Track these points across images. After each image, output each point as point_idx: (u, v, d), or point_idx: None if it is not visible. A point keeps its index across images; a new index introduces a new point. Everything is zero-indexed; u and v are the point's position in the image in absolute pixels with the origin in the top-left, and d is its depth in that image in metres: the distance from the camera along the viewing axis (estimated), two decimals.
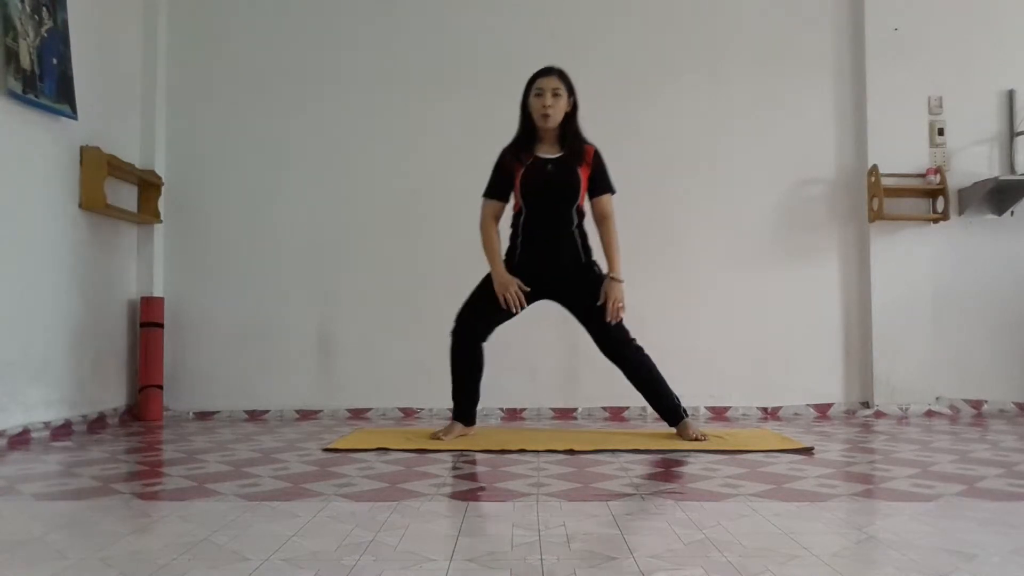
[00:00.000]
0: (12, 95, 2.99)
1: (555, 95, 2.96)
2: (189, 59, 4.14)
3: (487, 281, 3.05)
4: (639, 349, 3.05)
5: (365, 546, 1.53)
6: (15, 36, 2.99)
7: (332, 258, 4.08)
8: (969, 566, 1.40)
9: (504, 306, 2.99)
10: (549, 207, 3.01)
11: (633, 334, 3.05)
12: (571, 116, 3.02)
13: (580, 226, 3.05)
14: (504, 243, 3.11)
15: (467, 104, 4.11)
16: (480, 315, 3.04)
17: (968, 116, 4.06)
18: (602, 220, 3.05)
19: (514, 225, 3.10)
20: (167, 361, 3.93)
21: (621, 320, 3.01)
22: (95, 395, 3.58)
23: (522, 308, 3.01)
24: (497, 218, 3.09)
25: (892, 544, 1.56)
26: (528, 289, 3.00)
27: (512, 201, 3.10)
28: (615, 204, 3.08)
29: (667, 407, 3.07)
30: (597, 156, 3.04)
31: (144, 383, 3.82)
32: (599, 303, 2.96)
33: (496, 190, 3.08)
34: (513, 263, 3.05)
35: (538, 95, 2.97)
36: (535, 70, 3.04)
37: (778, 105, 4.10)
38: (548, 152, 3.02)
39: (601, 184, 3.04)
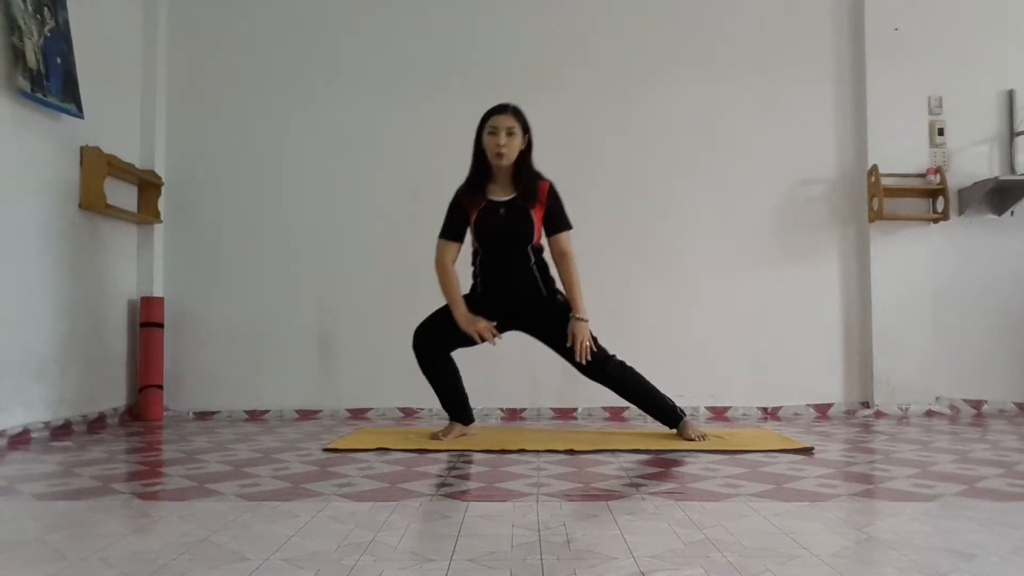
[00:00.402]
0: (22, 94, 3.00)
1: (509, 134, 2.91)
2: (189, 59, 4.14)
3: (447, 309, 3.03)
4: (620, 364, 3.03)
5: (365, 546, 1.53)
6: (20, 35, 2.99)
7: (332, 258, 4.08)
8: (969, 566, 1.40)
9: (480, 341, 2.97)
10: (504, 250, 3.00)
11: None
12: (525, 154, 2.98)
13: (538, 262, 3.03)
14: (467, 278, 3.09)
15: (467, 104, 4.06)
16: (438, 336, 3.03)
17: (968, 116, 4.06)
18: (560, 258, 3.01)
19: (473, 264, 3.08)
20: (167, 361, 3.93)
21: (595, 341, 2.98)
22: (95, 395, 3.58)
23: (469, 342, 2.99)
24: (453, 260, 3.04)
25: (892, 544, 1.56)
26: (494, 323, 2.98)
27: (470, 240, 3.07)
28: (575, 238, 3.03)
29: (662, 411, 3.07)
30: (552, 193, 2.99)
31: (144, 383, 3.82)
32: (568, 345, 2.94)
33: (451, 231, 3.03)
34: (475, 299, 3.04)
35: (492, 133, 2.93)
36: (490, 107, 2.99)
37: (778, 105, 4.10)
38: (502, 192, 3.00)
39: (557, 222, 2.99)
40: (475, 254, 3.07)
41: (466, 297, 3.05)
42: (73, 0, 3.36)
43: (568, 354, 2.99)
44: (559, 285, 3.04)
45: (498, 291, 3.01)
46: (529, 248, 2.99)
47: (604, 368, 2.99)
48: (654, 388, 3.05)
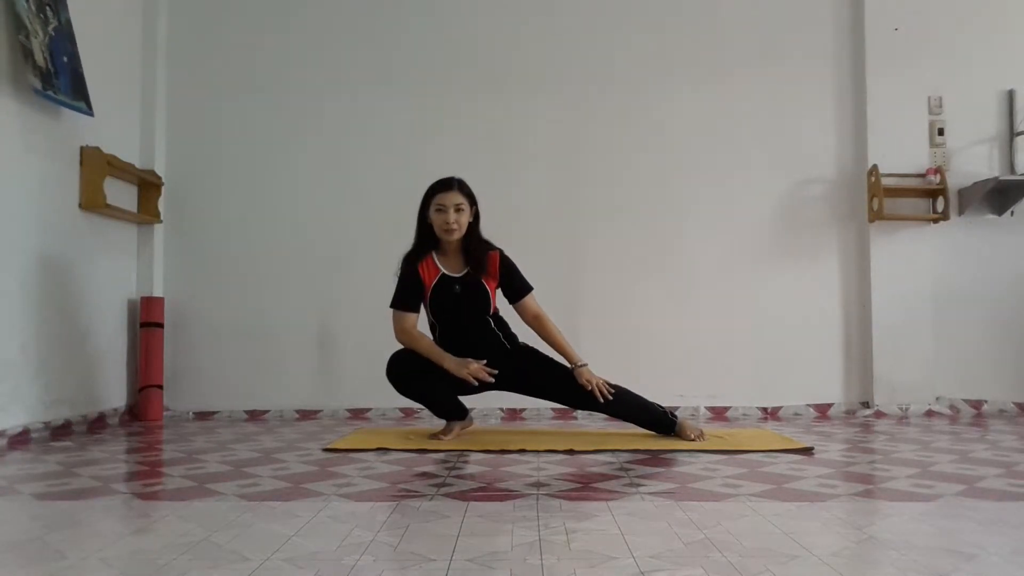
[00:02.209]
0: (34, 92, 3.00)
1: (458, 210, 2.92)
2: (189, 59, 4.14)
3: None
4: (612, 391, 2.98)
5: (365, 546, 1.53)
6: (27, 34, 2.99)
7: (332, 258, 4.08)
8: (969, 566, 1.40)
9: (476, 384, 2.96)
10: (461, 323, 3.00)
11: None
12: (474, 226, 2.99)
13: (497, 323, 3.05)
14: None
15: (467, 103, 4.11)
16: (417, 364, 2.98)
17: (968, 116, 4.06)
18: (534, 320, 3.02)
19: (432, 332, 3.06)
20: (167, 361, 3.93)
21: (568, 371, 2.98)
22: (95, 395, 3.58)
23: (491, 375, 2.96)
24: (413, 328, 3.00)
25: (892, 544, 1.56)
26: (484, 360, 2.95)
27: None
28: (538, 297, 3.05)
29: (655, 422, 3.05)
30: (504, 262, 3.00)
31: (144, 383, 3.82)
32: (588, 390, 2.92)
33: (406, 303, 3.00)
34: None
35: (440, 211, 2.93)
36: (433, 183, 2.99)
37: (778, 105, 4.10)
38: (452, 264, 3.00)
39: (518, 288, 3.02)
40: (432, 327, 3.06)
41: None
42: (73, 0, 3.36)
43: (559, 395, 3.03)
44: (520, 339, 3.06)
45: (464, 355, 2.97)
46: (486, 316, 3.01)
47: (591, 395, 2.95)
48: (640, 399, 3.05)
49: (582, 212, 4.07)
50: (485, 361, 2.94)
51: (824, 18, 4.14)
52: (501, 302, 3.08)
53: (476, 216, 3.01)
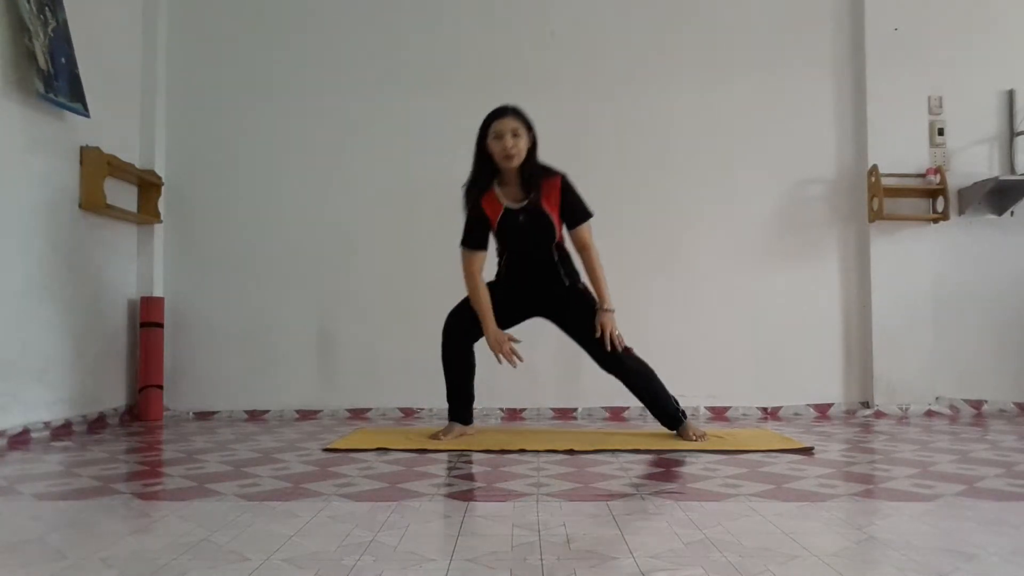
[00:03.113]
0: (38, 96, 3.02)
1: (515, 135, 2.90)
2: (189, 59, 4.14)
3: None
4: (636, 358, 3.04)
5: (365, 546, 1.53)
6: (30, 37, 2.99)
7: (332, 258, 4.08)
8: (969, 566, 1.40)
9: (499, 362, 3.01)
10: (527, 252, 3.03)
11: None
12: (532, 152, 2.96)
13: (560, 256, 3.05)
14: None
15: (467, 104, 4.07)
16: (471, 324, 3.05)
17: (968, 116, 4.06)
18: (582, 249, 3.02)
19: (499, 256, 3.11)
20: (167, 361, 3.93)
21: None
22: (95, 395, 3.58)
23: (505, 324, 3.04)
24: (481, 269, 3.04)
25: (892, 544, 1.56)
26: (519, 341, 3.01)
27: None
28: (597, 227, 3.04)
29: (666, 413, 3.06)
30: (565, 185, 2.98)
31: (144, 383, 3.82)
32: (597, 335, 2.95)
33: (474, 240, 3.02)
34: (500, 282, 3.08)
35: (498, 138, 2.90)
36: (489, 112, 2.98)
37: (778, 105, 4.10)
38: (513, 194, 2.99)
39: (575, 214, 2.99)
40: (500, 251, 3.09)
41: (492, 283, 3.08)
42: (73, 0, 3.36)
43: (590, 345, 3.01)
44: (583, 276, 3.06)
45: (523, 285, 3.06)
46: (552, 247, 3.01)
47: (624, 361, 3.00)
48: (663, 387, 3.05)
49: None
50: (521, 308, 3.03)
51: (824, 18, 4.14)
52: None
53: (534, 142, 2.97)
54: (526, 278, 3.05)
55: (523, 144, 2.92)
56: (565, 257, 3.06)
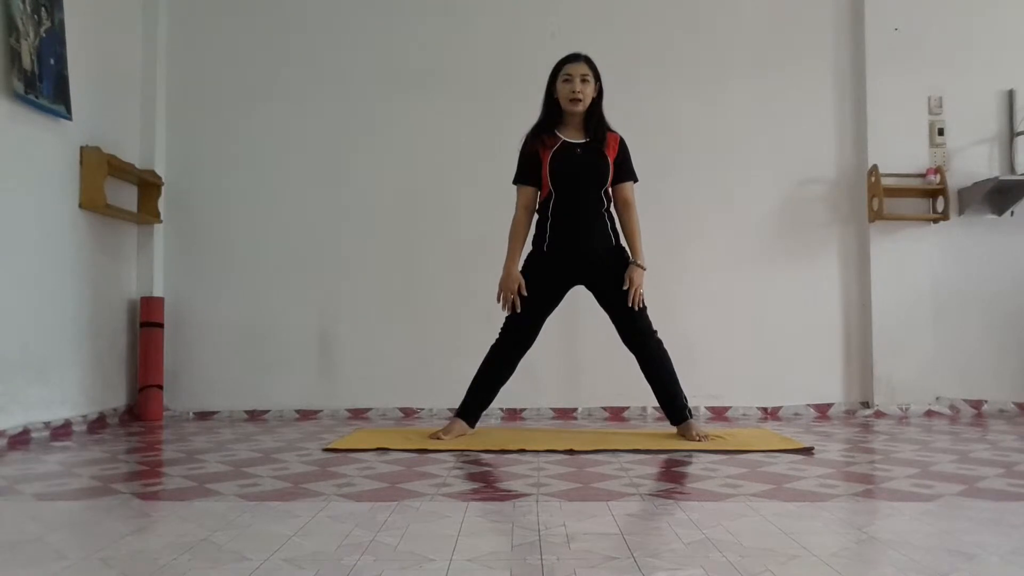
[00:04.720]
0: (16, 96, 2.99)
1: (583, 81, 2.99)
2: (189, 59, 4.14)
3: (524, 269, 3.07)
4: (660, 343, 3.06)
5: (365, 546, 1.53)
6: (17, 37, 2.99)
7: (332, 258, 4.08)
8: (969, 566, 1.40)
9: (502, 305, 3.04)
10: (579, 191, 3.02)
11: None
12: (597, 102, 3.05)
13: (608, 209, 3.07)
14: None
15: (467, 104, 4.11)
16: (533, 333, 3.07)
17: (968, 116, 4.06)
18: (624, 207, 3.07)
19: (542, 210, 3.09)
20: (167, 361, 3.93)
21: (645, 310, 3.03)
22: (95, 395, 3.58)
23: (551, 303, 3.06)
24: (531, 208, 3.09)
25: (892, 544, 1.56)
26: (525, 294, 3.02)
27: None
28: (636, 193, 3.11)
29: (675, 406, 3.06)
30: (623, 144, 3.07)
31: (144, 383, 3.82)
32: (624, 287, 2.98)
33: (527, 176, 3.08)
34: (543, 247, 3.05)
35: (567, 81, 3.00)
36: (562, 56, 3.07)
37: (778, 105, 4.10)
38: (574, 137, 3.04)
39: (625, 171, 3.07)
40: (546, 201, 3.06)
41: (531, 255, 3.08)
42: (73, 0, 3.35)
43: (621, 306, 3.00)
44: (623, 240, 3.08)
45: (570, 234, 3.02)
46: (602, 193, 3.03)
47: (648, 340, 3.02)
48: (678, 381, 3.06)
49: None
50: (563, 278, 3.03)
51: (824, 18, 4.14)
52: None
53: (600, 93, 3.05)
54: (575, 229, 3.01)
55: (589, 90, 3.01)
56: (612, 216, 3.08)
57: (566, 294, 3.11)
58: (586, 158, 3.00)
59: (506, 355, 3.10)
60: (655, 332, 3.06)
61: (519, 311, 3.02)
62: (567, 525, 1.70)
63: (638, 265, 3.01)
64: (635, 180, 3.10)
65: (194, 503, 1.94)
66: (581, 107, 2.99)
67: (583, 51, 4.09)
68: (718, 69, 4.12)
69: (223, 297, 4.07)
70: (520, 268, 3.08)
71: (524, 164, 3.08)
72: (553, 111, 3.06)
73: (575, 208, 3.02)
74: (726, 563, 1.42)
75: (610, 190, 3.06)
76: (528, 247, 3.10)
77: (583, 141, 3.03)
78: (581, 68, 3.01)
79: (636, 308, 2.99)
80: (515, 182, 3.11)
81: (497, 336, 3.10)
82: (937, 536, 1.62)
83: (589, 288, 3.10)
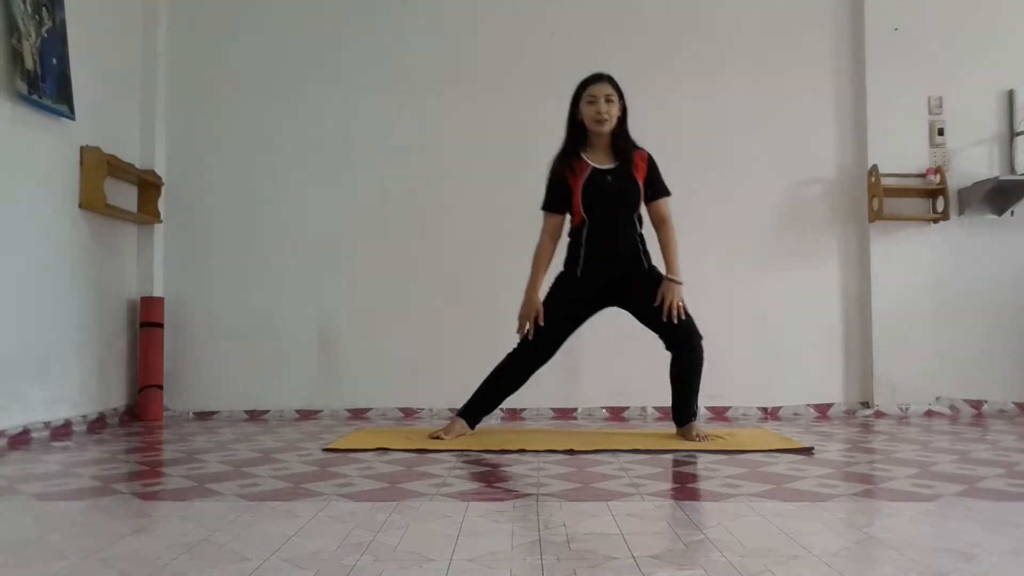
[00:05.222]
0: (19, 96, 2.99)
1: (608, 101, 2.97)
2: (189, 59, 4.14)
3: (552, 292, 3.08)
4: (701, 352, 3.02)
5: (365, 546, 1.53)
6: (19, 37, 2.99)
7: (332, 258, 4.08)
8: (969, 566, 1.40)
9: (518, 328, 3.05)
10: (611, 218, 3.00)
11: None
12: (622, 121, 3.03)
13: (641, 232, 3.06)
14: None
15: (466, 104, 4.11)
16: (554, 349, 3.07)
17: (968, 116, 4.06)
18: (660, 223, 3.06)
19: (574, 236, 3.07)
20: (167, 361, 3.93)
21: (690, 318, 3.00)
22: (95, 395, 3.58)
23: (575, 324, 3.07)
24: (556, 235, 3.09)
25: (892, 544, 1.56)
26: (542, 324, 3.03)
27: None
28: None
29: (685, 411, 3.06)
30: (651, 161, 3.04)
31: (144, 383, 3.82)
32: (656, 304, 2.96)
33: (555, 203, 3.07)
34: (576, 272, 3.04)
35: (591, 102, 2.97)
36: (584, 78, 3.04)
37: (778, 105, 4.10)
38: (601, 160, 3.02)
39: (657, 188, 3.04)
40: (579, 227, 3.05)
41: (563, 276, 3.08)
42: (73, 0, 3.35)
43: (657, 327, 2.99)
44: (654, 260, 3.07)
45: (604, 261, 3.01)
46: (635, 216, 3.03)
47: (692, 340, 2.99)
48: (698, 391, 3.06)
49: None
50: (595, 299, 3.03)
51: (824, 18, 4.14)
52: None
53: (624, 111, 3.03)
54: (609, 254, 3.00)
55: (615, 110, 2.99)
56: (643, 237, 3.07)
57: (587, 319, 3.12)
58: (616, 184, 2.98)
59: (521, 368, 3.09)
60: (700, 340, 3.01)
61: (531, 338, 3.03)
62: (567, 525, 1.70)
63: (672, 280, 2.97)
64: (668, 195, 3.06)
65: (194, 503, 1.94)
66: (607, 128, 2.97)
67: (581, 52, 4.12)
68: (718, 69, 4.12)
69: (223, 297, 4.07)
70: (551, 287, 3.09)
71: (552, 191, 3.06)
72: (578, 133, 3.03)
73: (608, 234, 3.01)
74: (726, 563, 1.42)
75: (643, 210, 3.05)
76: (554, 265, 3.11)
77: (612, 167, 2.99)
78: (605, 88, 2.97)
79: (674, 322, 2.95)
80: (543, 208, 3.09)
81: (516, 346, 3.10)
82: (937, 536, 1.62)
83: (623, 308, 3.08)
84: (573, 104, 3.04)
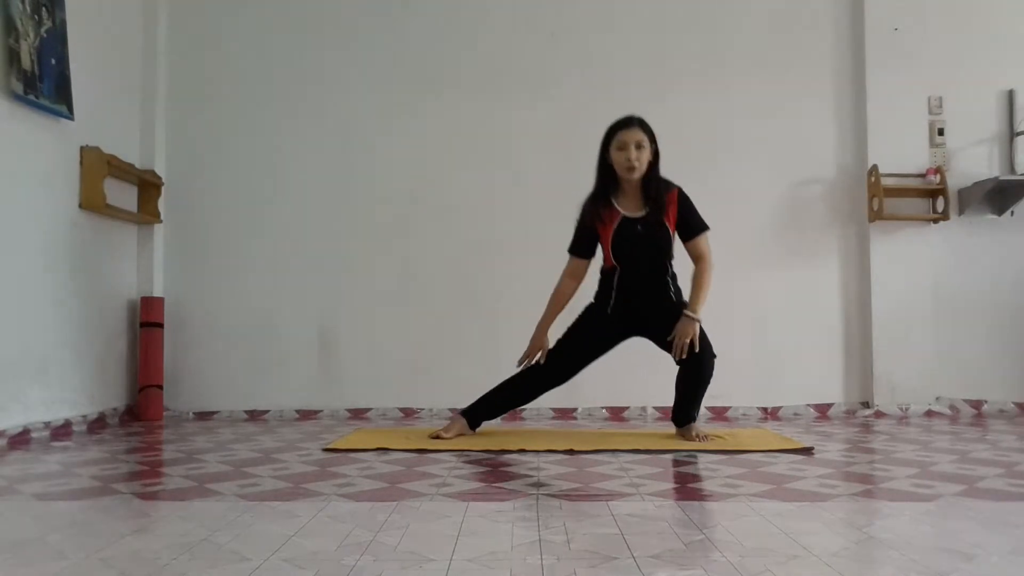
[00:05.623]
0: (14, 96, 2.99)
1: (639, 147, 2.91)
2: (189, 59, 4.14)
3: (581, 320, 3.09)
4: (711, 368, 2.98)
5: (365, 546, 1.53)
6: (16, 37, 2.99)
7: (332, 258, 4.08)
8: (969, 566, 1.40)
9: (520, 361, 3.07)
10: (642, 266, 3.00)
11: (633, 338, 3.06)
12: (653, 165, 2.97)
13: (672, 272, 3.04)
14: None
15: (467, 104, 4.11)
16: (571, 372, 3.08)
17: (968, 116, 4.06)
18: (697, 260, 3.01)
19: (606, 277, 3.08)
20: (167, 361, 3.93)
21: (704, 337, 2.94)
22: (95, 395, 3.58)
23: (597, 354, 3.08)
24: (578, 278, 3.09)
25: (892, 544, 1.56)
26: (542, 362, 3.06)
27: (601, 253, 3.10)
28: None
29: (686, 415, 3.05)
30: (682, 198, 2.99)
31: (144, 383, 3.82)
32: (668, 339, 2.92)
33: (581, 248, 3.08)
34: (607, 310, 3.04)
35: (621, 149, 2.93)
36: (614, 122, 3.00)
37: (778, 105, 4.10)
38: (632, 205, 2.99)
39: (692, 227, 3.00)
40: (610, 271, 3.05)
41: (594, 308, 3.08)
42: (73, 0, 3.35)
43: (670, 352, 2.97)
44: (685, 294, 3.03)
45: (635, 305, 3.01)
46: (666, 261, 3.01)
47: (701, 363, 2.93)
48: (702, 398, 3.05)
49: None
50: (623, 331, 3.03)
51: (824, 18, 4.14)
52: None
53: (656, 155, 2.98)
54: (637, 296, 3.00)
55: (645, 156, 2.93)
56: (675, 275, 3.05)
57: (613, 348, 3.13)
58: (646, 232, 2.95)
59: (534, 386, 3.10)
60: (712, 358, 2.96)
61: (531, 367, 3.06)
62: (567, 525, 1.70)
63: (690, 316, 2.91)
64: (705, 230, 3.01)
65: (194, 503, 1.94)
66: (638, 174, 2.93)
67: (581, 53, 4.12)
68: (718, 69, 4.12)
69: (223, 297, 4.07)
70: (580, 315, 3.10)
71: (580, 236, 3.07)
72: (608, 178, 3.00)
73: (638, 280, 3.00)
74: (726, 563, 1.42)
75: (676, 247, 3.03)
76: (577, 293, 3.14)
77: (642, 214, 2.97)
78: (636, 135, 2.92)
79: (680, 358, 2.91)
80: (569, 251, 3.10)
81: (535, 362, 3.10)
82: (937, 536, 1.62)
83: (642, 336, 3.08)
84: (603, 148, 2.99)
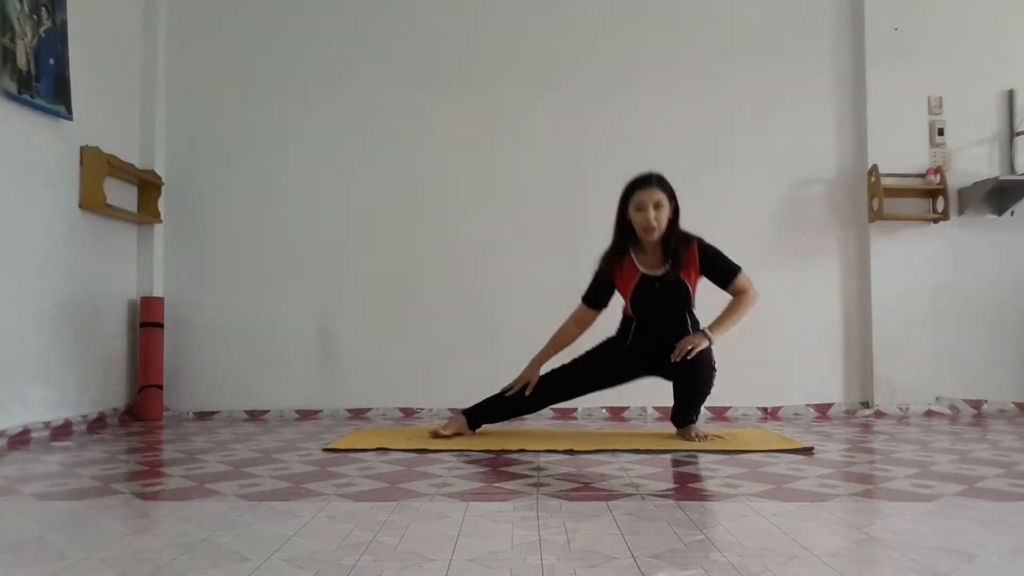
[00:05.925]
0: (7, 95, 2.99)
1: (657, 207, 2.89)
2: (189, 59, 4.14)
3: (600, 347, 3.10)
4: (711, 378, 2.97)
5: (365, 546, 1.53)
6: (12, 36, 2.99)
7: (332, 258, 4.08)
8: (969, 566, 1.40)
9: (505, 390, 3.08)
10: (661, 320, 2.99)
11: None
12: (673, 222, 2.94)
13: (693, 322, 3.01)
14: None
15: (467, 103, 4.11)
16: (576, 388, 3.12)
17: (968, 116, 4.06)
18: (737, 293, 2.98)
19: (625, 322, 3.09)
20: (167, 361, 3.93)
21: (707, 350, 2.91)
22: (95, 395, 3.58)
23: (609, 385, 3.14)
24: (584, 325, 3.10)
25: (892, 544, 1.56)
26: (527, 395, 3.08)
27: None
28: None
29: (685, 417, 3.05)
30: (702, 251, 2.95)
31: (144, 383, 3.82)
32: (674, 357, 2.88)
33: (594, 300, 3.09)
34: (626, 343, 3.06)
35: (640, 210, 2.90)
36: (632, 180, 2.98)
37: (778, 105, 4.10)
38: (651, 264, 2.98)
39: (724, 274, 2.96)
40: (628, 319, 3.06)
41: (614, 341, 3.09)
42: (73, 0, 3.35)
43: (677, 370, 2.92)
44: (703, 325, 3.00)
45: (652, 346, 3.01)
46: (685, 313, 3.00)
47: (696, 372, 2.90)
48: (703, 403, 3.05)
49: (581, 212, 4.06)
50: (644, 366, 3.05)
51: (824, 18, 4.14)
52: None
53: (676, 212, 2.95)
54: (657, 342, 2.98)
55: (664, 216, 2.91)
56: (696, 321, 3.02)
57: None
58: (665, 290, 2.94)
59: (540, 400, 3.12)
60: (711, 370, 2.95)
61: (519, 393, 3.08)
62: (567, 525, 1.70)
63: (703, 331, 2.90)
64: (738, 272, 2.95)
65: (194, 503, 1.94)
66: (657, 235, 2.91)
67: (581, 51, 4.12)
68: (718, 69, 4.12)
69: (223, 297, 4.07)
70: (600, 343, 3.11)
71: (596, 287, 3.07)
72: (626, 235, 2.98)
73: (657, 331, 3.00)
74: (726, 563, 1.42)
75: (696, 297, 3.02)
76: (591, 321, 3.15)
77: (662, 272, 2.95)
78: (655, 195, 2.89)
79: (675, 359, 2.87)
80: (583, 299, 3.11)
81: (548, 372, 3.11)
82: (937, 536, 1.62)
83: (658, 375, 3.09)
84: (621, 205, 2.97)
